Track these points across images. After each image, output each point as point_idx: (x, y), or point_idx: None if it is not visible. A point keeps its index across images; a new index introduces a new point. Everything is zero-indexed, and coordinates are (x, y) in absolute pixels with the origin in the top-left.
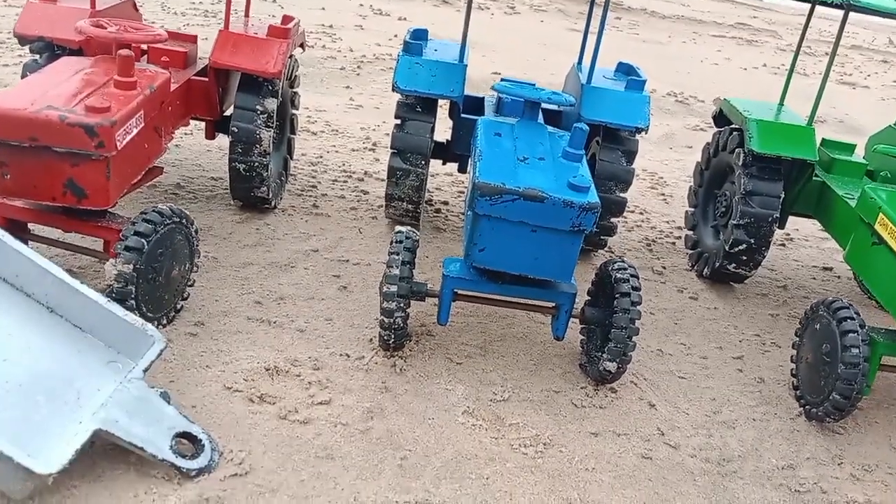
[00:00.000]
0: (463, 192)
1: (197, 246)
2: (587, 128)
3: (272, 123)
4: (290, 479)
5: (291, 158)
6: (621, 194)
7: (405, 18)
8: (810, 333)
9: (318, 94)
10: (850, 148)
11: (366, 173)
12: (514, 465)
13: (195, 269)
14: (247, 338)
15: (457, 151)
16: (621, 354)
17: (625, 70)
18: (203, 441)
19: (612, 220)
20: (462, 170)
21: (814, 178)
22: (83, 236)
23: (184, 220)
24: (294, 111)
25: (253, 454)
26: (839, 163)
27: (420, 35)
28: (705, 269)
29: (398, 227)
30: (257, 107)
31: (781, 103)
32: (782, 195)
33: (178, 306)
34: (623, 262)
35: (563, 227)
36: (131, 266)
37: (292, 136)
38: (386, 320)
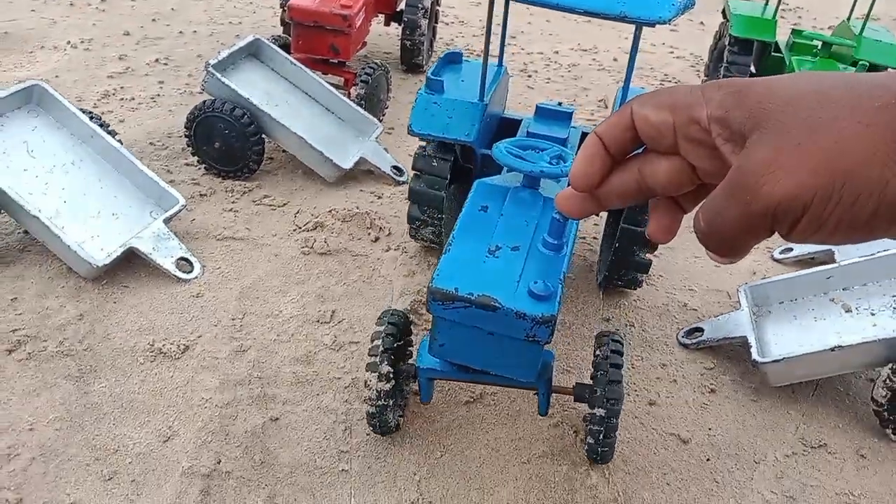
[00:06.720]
0: None
1: (391, 86)
2: (566, 218)
3: (427, 15)
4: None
5: (434, 39)
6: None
7: None
8: None
9: None
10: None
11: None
12: None
13: (390, 97)
14: None
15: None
16: (604, 438)
17: None
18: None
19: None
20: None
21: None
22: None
23: (386, 69)
24: (438, 7)
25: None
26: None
27: (454, 58)
28: None
29: (382, 314)
30: (419, 4)
31: None
32: None
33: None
34: (616, 335)
35: (517, 336)
36: (364, 90)
37: (435, 24)
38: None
